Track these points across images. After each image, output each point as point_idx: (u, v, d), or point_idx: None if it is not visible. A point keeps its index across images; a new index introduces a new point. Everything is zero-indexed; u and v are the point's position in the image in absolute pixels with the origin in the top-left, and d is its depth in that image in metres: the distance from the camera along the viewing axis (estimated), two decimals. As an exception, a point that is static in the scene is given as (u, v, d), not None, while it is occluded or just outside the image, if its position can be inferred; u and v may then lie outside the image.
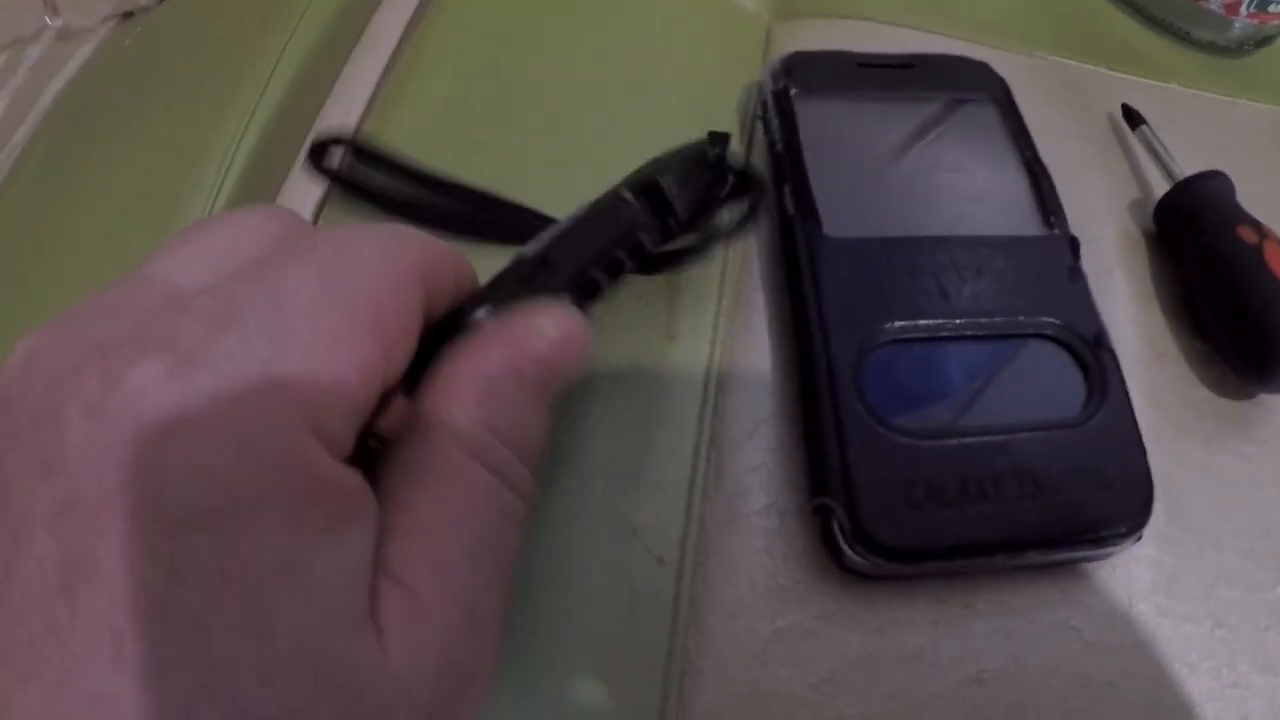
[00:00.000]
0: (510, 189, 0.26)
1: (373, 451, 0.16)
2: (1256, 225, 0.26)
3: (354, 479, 0.13)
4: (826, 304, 0.22)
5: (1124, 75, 0.32)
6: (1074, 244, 0.24)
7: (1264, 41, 0.34)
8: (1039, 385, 0.23)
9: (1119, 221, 0.28)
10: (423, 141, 0.29)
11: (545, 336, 0.16)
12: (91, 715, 0.10)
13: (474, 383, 0.15)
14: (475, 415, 0.15)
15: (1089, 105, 0.30)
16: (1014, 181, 0.26)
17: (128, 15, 0.40)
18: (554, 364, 0.16)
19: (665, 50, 0.30)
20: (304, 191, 0.32)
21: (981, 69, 0.28)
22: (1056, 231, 0.25)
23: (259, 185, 0.32)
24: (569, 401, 0.22)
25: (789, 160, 0.25)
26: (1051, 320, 0.23)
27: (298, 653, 0.11)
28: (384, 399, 0.15)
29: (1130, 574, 0.22)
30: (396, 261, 0.14)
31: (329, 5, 0.36)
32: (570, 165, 0.28)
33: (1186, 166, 0.28)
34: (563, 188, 0.27)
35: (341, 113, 0.34)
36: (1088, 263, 0.25)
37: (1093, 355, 0.23)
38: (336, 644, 0.12)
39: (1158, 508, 0.22)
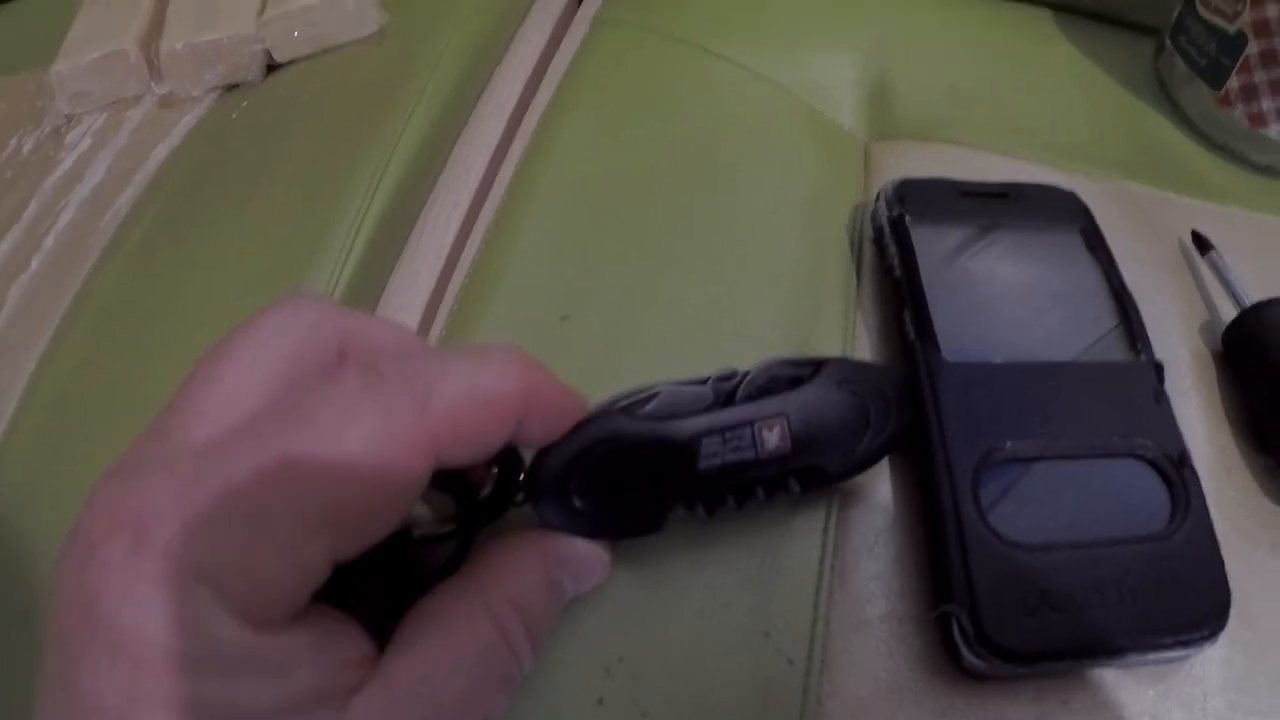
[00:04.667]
0: (623, 298, 0.29)
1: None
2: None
3: (254, 641, 0.15)
4: (947, 426, 0.25)
5: (1189, 199, 0.35)
6: (1159, 369, 0.27)
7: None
8: (1132, 501, 0.25)
9: (1191, 343, 0.30)
10: (546, 240, 0.32)
11: (579, 554, 0.20)
12: None
13: (513, 566, 0.19)
14: (504, 590, 0.19)
15: (1158, 229, 0.33)
16: (1104, 308, 0.29)
17: (232, 87, 0.42)
18: (580, 576, 0.21)
19: (774, 168, 0.33)
20: (421, 266, 0.34)
21: (1070, 199, 0.31)
22: (1143, 358, 0.27)
23: (382, 257, 0.34)
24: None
25: (908, 286, 0.27)
26: (1142, 441, 0.26)
27: None
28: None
29: (1204, 672, 0.25)
30: (380, 446, 0.15)
31: (444, 86, 0.39)
32: (685, 280, 0.31)
33: (1250, 287, 0.31)
34: (679, 299, 0.30)
35: (458, 187, 0.37)
36: (1166, 383, 0.28)
37: (1177, 473, 0.26)
38: None
39: (1230, 610, 0.24)
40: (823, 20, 0.39)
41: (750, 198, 0.32)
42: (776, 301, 0.29)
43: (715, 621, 0.23)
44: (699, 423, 0.21)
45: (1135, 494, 0.25)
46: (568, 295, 0.30)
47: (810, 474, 0.22)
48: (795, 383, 0.22)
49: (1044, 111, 0.37)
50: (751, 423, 0.21)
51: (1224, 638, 0.25)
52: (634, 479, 0.21)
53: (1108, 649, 0.23)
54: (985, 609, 0.22)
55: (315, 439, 0.15)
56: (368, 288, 0.34)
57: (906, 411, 0.24)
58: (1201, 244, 0.32)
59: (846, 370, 0.23)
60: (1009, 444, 0.25)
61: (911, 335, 0.27)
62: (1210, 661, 0.25)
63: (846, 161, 0.34)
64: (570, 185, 0.33)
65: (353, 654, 0.17)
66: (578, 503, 0.20)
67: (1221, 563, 0.25)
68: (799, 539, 0.25)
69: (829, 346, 0.29)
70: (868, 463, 0.23)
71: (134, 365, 0.33)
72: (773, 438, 0.21)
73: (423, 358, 0.17)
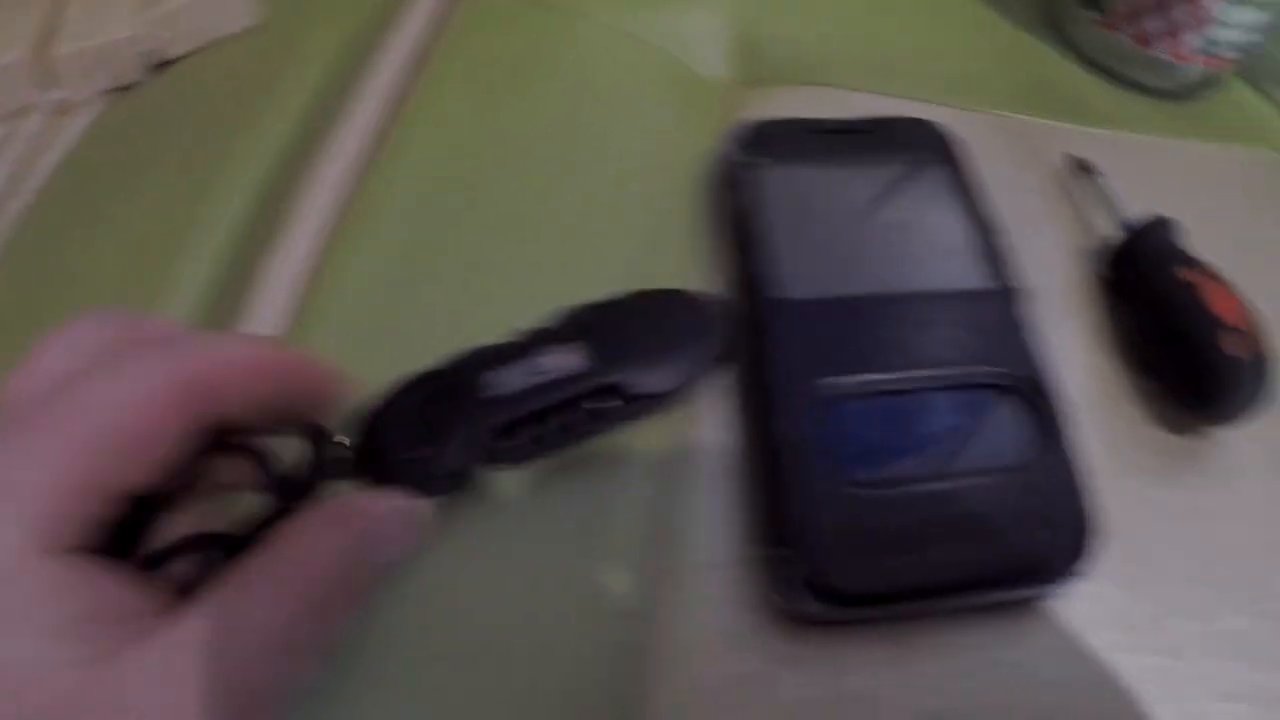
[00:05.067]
0: (472, 260, 0.29)
1: None
2: (1194, 265, 0.27)
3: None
4: (783, 362, 0.24)
5: (1077, 127, 0.33)
6: (1021, 295, 0.26)
7: (1213, 84, 0.36)
8: (988, 432, 0.24)
9: (1072, 269, 0.29)
10: (404, 219, 0.31)
11: (395, 509, 0.20)
12: None
13: (314, 531, 0.19)
14: (300, 556, 0.19)
15: (1041, 158, 0.32)
16: (965, 236, 0.27)
17: (124, 89, 0.42)
18: (396, 534, 0.20)
19: (626, 119, 0.32)
20: (293, 258, 0.34)
21: (932, 128, 0.30)
22: (1004, 283, 0.26)
23: (248, 252, 0.34)
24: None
25: (747, 227, 0.26)
26: (1000, 370, 0.25)
27: None
28: None
29: (1082, 610, 0.24)
30: (145, 396, 0.18)
31: (320, 74, 0.38)
32: (535, 238, 0.30)
33: (1139, 211, 0.29)
34: (530, 257, 0.29)
35: (325, 176, 0.36)
36: (1042, 311, 0.26)
37: (1039, 402, 0.24)
38: None
39: (1110, 544, 0.23)
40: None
41: (610, 157, 0.31)
42: (627, 258, 0.28)
43: (545, 570, 0.22)
44: (485, 352, 0.21)
45: (992, 425, 0.24)
46: (423, 271, 0.30)
47: (620, 392, 0.21)
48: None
49: (926, 50, 0.36)
50: (540, 344, 0.21)
51: (1102, 572, 0.23)
52: (442, 424, 0.20)
53: (956, 588, 0.22)
54: (816, 551, 0.21)
55: (86, 380, 0.18)
56: (239, 272, 0.33)
57: (722, 327, 0.23)
58: (1082, 167, 0.31)
59: (650, 295, 0.22)
60: (851, 379, 0.24)
61: (750, 272, 0.26)
62: (1086, 598, 0.24)
63: (705, 111, 0.33)
64: (434, 161, 0.33)
65: (124, 605, 0.18)
66: (390, 459, 0.20)
67: (1085, 494, 0.23)
68: (627, 479, 0.24)
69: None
70: (682, 377, 0.22)
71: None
72: (570, 359, 0.21)
73: (189, 335, 0.20)
